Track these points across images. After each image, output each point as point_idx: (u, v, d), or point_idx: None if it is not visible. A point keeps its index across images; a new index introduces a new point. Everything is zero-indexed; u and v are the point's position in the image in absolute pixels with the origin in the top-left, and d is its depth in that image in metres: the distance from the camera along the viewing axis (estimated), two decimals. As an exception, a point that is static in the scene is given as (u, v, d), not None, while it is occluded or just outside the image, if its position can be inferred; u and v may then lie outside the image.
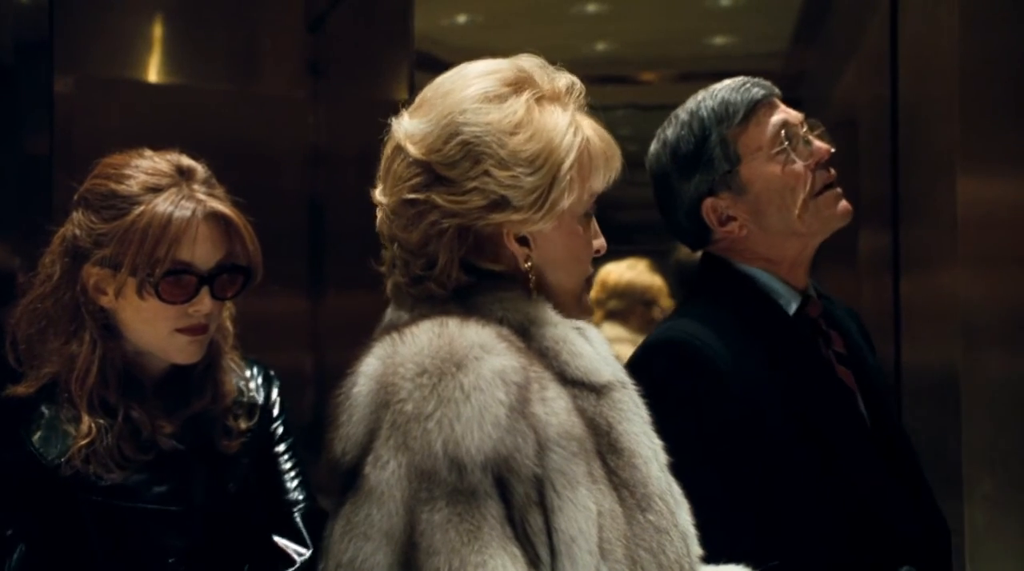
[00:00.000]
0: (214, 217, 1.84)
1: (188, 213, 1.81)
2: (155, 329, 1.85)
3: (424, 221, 1.49)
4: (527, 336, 1.46)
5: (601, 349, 1.52)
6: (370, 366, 1.43)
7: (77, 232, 1.86)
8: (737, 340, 1.95)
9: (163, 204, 1.82)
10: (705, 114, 2.04)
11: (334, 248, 3.52)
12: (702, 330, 1.94)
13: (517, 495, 1.35)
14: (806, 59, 3.60)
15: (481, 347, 1.39)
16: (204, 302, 1.85)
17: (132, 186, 1.84)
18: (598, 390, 1.46)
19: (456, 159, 1.48)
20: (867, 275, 3.14)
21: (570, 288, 1.55)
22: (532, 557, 1.36)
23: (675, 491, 1.52)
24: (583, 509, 1.37)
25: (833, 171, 2.04)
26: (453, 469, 1.34)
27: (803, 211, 2.00)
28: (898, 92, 3.33)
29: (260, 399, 2.00)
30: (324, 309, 3.50)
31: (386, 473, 1.36)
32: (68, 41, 3.22)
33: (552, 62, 1.58)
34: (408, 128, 1.52)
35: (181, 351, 1.87)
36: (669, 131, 2.09)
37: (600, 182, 1.54)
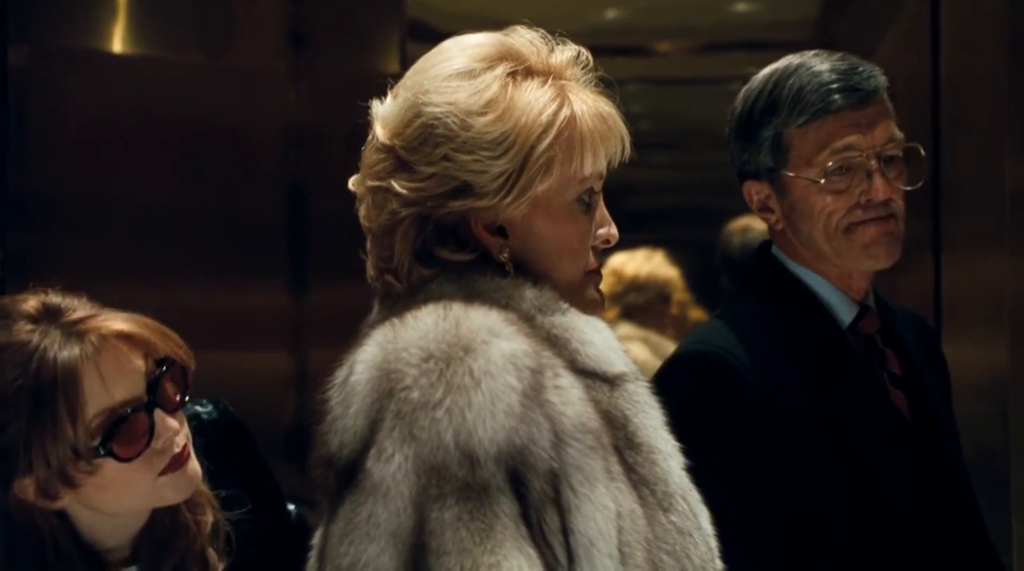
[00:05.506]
0: (111, 338, 1.64)
1: (74, 358, 1.61)
2: (136, 491, 1.67)
3: (385, 210, 1.50)
4: (533, 324, 1.46)
5: (610, 339, 1.52)
6: (368, 353, 1.44)
7: None
8: (778, 355, 1.93)
9: (44, 371, 1.60)
10: (783, 91, 1.96)
11: (317, 237, 3.51)
12: (739, 342, 1.92)
13: (533, 491, 1.36)
14: (838, 28, 3.59)
15: (489, 330, 1.40)
16: (169, 428, 1.66)
17: (7, 373, 1.61)
18: (611, 381, 1.46)
19: (416, 143, 1.49)
20: (904, 266, 3.12)
21: (565, 282, 1.53)
22: (550, 559, 1.36)
23: (696, 495, 1.51)
24: (602, 508, 1.37)
25: (888, 209, 1.94)
26: (465, 462, 1.34)
27: (834, 244, 1.95)
28: (939, 65, 3.32)
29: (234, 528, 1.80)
30: (306, 304, 3.50)
31: (391, 467, 1.36)
32: (23, 7, 3.21)
33: (552, 32, 1.56)
34: (382, 109, 1.54)
35: (176, 490, 1.69)
36: (756, 79, 2.02)
37: (590, 165, 1.51)
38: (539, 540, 1.36)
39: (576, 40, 1.58)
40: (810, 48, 2.05)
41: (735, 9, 3.62)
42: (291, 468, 3.36)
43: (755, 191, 2.01)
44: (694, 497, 1.49)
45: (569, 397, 1.40)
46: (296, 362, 3.46)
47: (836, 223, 1.95)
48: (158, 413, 1.64)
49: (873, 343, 2.02)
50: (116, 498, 1.67)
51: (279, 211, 3.50)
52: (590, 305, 1.54)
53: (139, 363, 1.65)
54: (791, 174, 1.96)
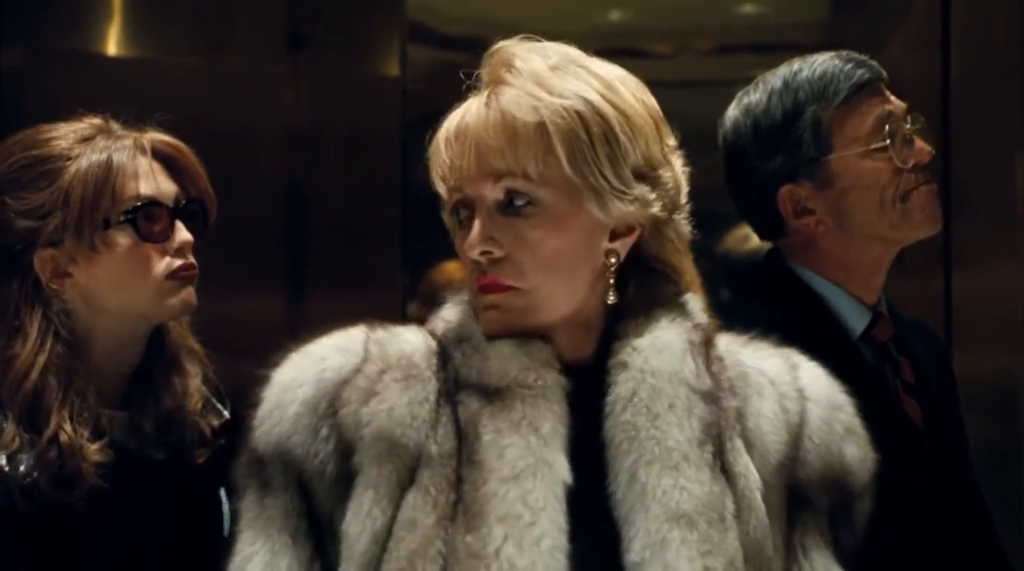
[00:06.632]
0: (157, 149, 1.87)
1: (128, 150, 1.86)
2: (142, 281, 1.85)
3: None
4: (456, 344, 1.53)
5: (512, 353, 1.50)
6: None
7: (10, 215, 1.84)
8: None
9: (98, 153, 1.84)
10: (801, 86, 2.00)
11: (316, 242, 3.51)
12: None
13: (317, 492, 1.50)
14: (847, 29, 3.58)
15: (335, 347, 1.54)
16: (183, 234, 1.87)
17: (61, 143, 1.85)
18: (489, 394, 1.48)
19: None
20: (915, 273, 3.12)
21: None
22: (332, 556, 1.50)
23: (551, 525, 1.44)
24: (364, 515, 1.46)
25: (929, 172, 2.02)
26: (255, 461, 1.53)
27: (891, 216, 1.99)
28: (950, 67, 3.32)
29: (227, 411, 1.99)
30: (305, 311, 3.50)
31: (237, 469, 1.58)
32: (17, 8, 3.21)
33: (554, 35, 1.56)
34: None
35: (176, 297, 1.88)
36: (754, 97, 2.05)
37: (437, 183, 1.53)
38: (325, 536, 1.51)
39: (578, 42, 1.57)
40: (817, 50, 2.07)
41: (741, 11, 3.62)
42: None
43: (790, 197, 2.01)
44: (524, 523, 1.43)
45: (378, 408, 1.49)
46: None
47: (893, 194, 1.99)
48: (179, 223, 1.87)
49: (887, 351, 2.03)
50: (124, 287, 1.85)
51: (277, 215, 3.50)
52: (483, 321, 1.53)
53: (175, 181, 1.88)
54: (839, 155, 1.98)
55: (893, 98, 2.03)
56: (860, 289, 2.03)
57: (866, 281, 2.04)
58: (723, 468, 1.49)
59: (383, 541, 1.45)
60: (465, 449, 1.47)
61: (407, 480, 1.47)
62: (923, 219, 2.02)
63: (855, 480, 1.56)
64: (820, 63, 2.02)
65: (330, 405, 1.50)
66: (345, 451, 1.49)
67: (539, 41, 1.54)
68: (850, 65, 2.01)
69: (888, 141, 1.98)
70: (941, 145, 3.22)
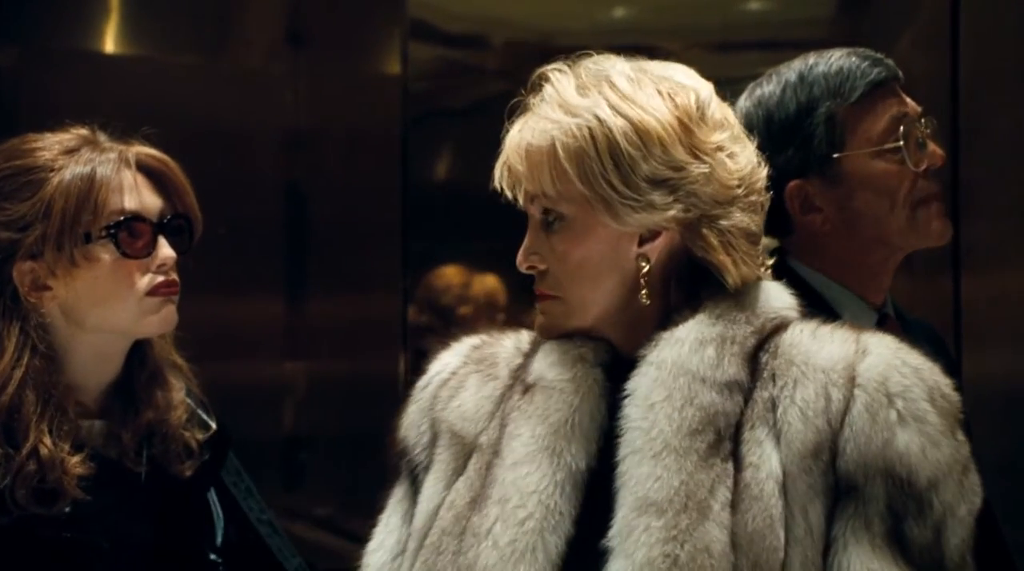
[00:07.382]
0: (143, 163, 1.86)
1: (112, 163, 1.84)
2: (122, 297, 1.84)
3: None
4: (537, 348, 1.67)
5: (553, 352, 1.63)
6: None
7: None
8: None
9: (81, 165, 1.83)
10: (816, 81, 1.99)
11: (316, 242, 3.51)
12: None
13: (419, 479, 1.70)
14: (854, 27, 3.58)
15: (450, 352, 1.74)
16: (166, 251, 1.86)
17: (45, 154, 1.84)
18: (526, 389, 1.63)
19: None
20: (923, 275, 3.11)
21: None
22: None
23: (537, 509, 1.56)
24: (424, 498, 1.67)
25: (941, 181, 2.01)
26: (395, 454, 1.74)
27: (900, 221, 1.98)
28: (958, 65, 3.31)
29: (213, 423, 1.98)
30: (304, 313, 3.49)
31: None
32: (13, 7, 3.21)
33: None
34: None
35: (156, 314, 1.87)
36: (767, 89, 2.04)
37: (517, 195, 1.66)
38: None
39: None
40: (822, 48, 2.06)
41: (746, 8, 3.62)
42: (288, 482, 3.35)
43: (798, 192, 2.01)
44: (512, 505, 1.56)
45: (454, 404, 1.70)
46: (293, 373, 3.46)
47: (903, 197, 1.98)
48: (163, 239, 1.87)
49: None
50: (104, 303, 1.85)
51: (277, 216, 3.50)
52: (535, 326, 1.68)
53: (160, 196, 1.88)
54: (851, 154, 1.98)
55: (908, 99, 2.02)
56: (866, 290, 2.02)
57: (872, 282, 2.03)
58: (734, 457, 1.53)
59: (432, 520, 1.63)
60: (499, 437, 1.62)
61: (462, 467, 1.65)
62: (933, 230, 2.01)
63: (914, 470, 1.51)
64: (836, 59, 2.01)
65: (431, 404, 1.72)
66: (433, 443, 1.70)
67: (590, 55, 1.62)
68: (867, 63, 2.00)
69: (902, 142, 1.98)
70: (950, 145, 3.22)
